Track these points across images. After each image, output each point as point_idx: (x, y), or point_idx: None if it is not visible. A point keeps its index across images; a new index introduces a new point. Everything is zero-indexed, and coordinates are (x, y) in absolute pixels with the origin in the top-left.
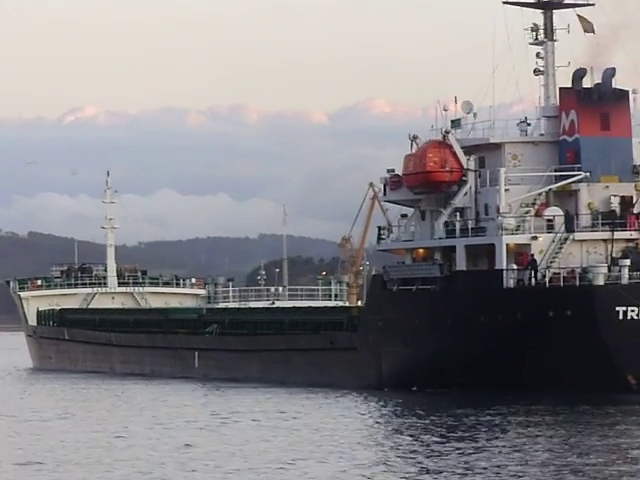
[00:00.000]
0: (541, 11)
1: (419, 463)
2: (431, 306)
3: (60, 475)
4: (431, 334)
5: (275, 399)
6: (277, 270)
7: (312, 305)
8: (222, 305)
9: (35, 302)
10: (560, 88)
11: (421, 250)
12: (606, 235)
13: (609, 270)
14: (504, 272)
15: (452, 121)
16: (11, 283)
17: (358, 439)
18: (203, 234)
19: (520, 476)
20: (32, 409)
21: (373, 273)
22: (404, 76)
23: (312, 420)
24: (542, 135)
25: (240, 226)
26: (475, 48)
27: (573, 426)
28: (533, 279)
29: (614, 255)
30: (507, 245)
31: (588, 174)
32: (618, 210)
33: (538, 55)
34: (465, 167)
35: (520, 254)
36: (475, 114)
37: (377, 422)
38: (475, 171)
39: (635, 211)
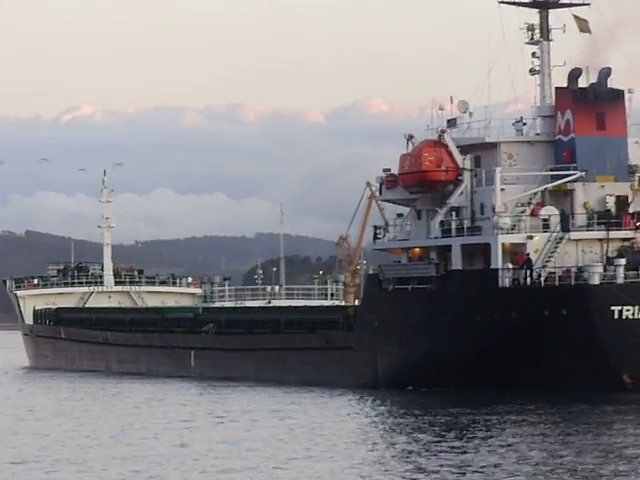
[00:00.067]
0: (537, 11)
1: (415, 462)
2: (427, 305)
3: (55, 475)
4: (427, 333)
5: (271, 398)
6: (274, 269)
7: (308, 304)
8: (218, 304)
9: (31, 301)
10: (556, 88)
11: (417, 249)
12: (601, 234)
13: (604, 269)
14: (500, 271)
15: (448, 120)
16: (7, 282)
17: (353, 438)
18: (200, 233)
19: (516, 475)
20: (27, 408)
21: (369, 272)
22: (401, 75)
23: (307, 419)
24: (538, 135)
25: (237, 225)
26: (472, 48)
27: (569, 425)
28: (529, 278)
29: (609, 254)
30: (503, 244)
31: (584, 174)
32: (613, 210)
33: (534, 55)
34: (461, 166)
35: (516, 253)
36: (471, 113)
37: (373, 421)
38: (471, 170)
39: (630, 211)
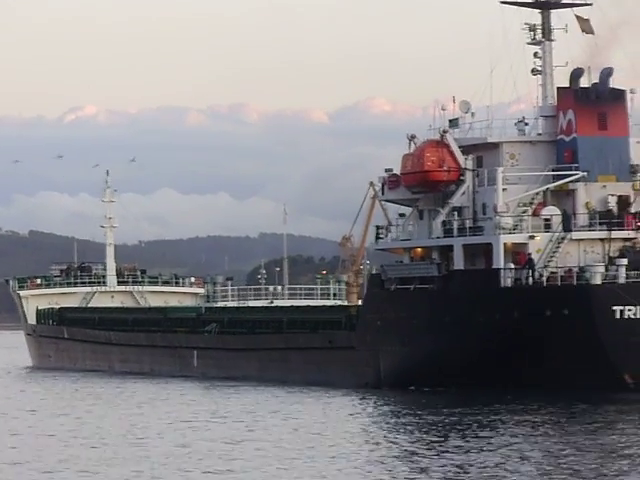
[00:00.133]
0: (539, 11)
1: (417, 462)
2: (429, 305)
3: (57, 475)
4: (429, 333)
5: (273, 398)
6: (277, 269)
7: (310, 304)
8: (221, 304)
9: (34, 301)
10: (558, 88)
11: (419, 249)
12: (603, 234)
13: (606, 269)
14: (501, 271)
15: (450, 121)
16: (10, 282)
17: (356, 438)
18: (203, 233)
19: (518, 475)
20: (29, 408)
21: (372, 272)
22: (404, 75)
23: (310, 419)
24: (540, 135)
25: (240, 225)
26: (475, 47)
27: (570, 425)
28: (530, 278)
29: (611, 254)
30: (504, 244)
31: (585, 174)
32: (615, 209)
33: (536, 55)
34: (463, 166)
35: (517, 253)
36: (473, 114)
37: (375, 421)
38: (473, 170)
39: (632, 210)
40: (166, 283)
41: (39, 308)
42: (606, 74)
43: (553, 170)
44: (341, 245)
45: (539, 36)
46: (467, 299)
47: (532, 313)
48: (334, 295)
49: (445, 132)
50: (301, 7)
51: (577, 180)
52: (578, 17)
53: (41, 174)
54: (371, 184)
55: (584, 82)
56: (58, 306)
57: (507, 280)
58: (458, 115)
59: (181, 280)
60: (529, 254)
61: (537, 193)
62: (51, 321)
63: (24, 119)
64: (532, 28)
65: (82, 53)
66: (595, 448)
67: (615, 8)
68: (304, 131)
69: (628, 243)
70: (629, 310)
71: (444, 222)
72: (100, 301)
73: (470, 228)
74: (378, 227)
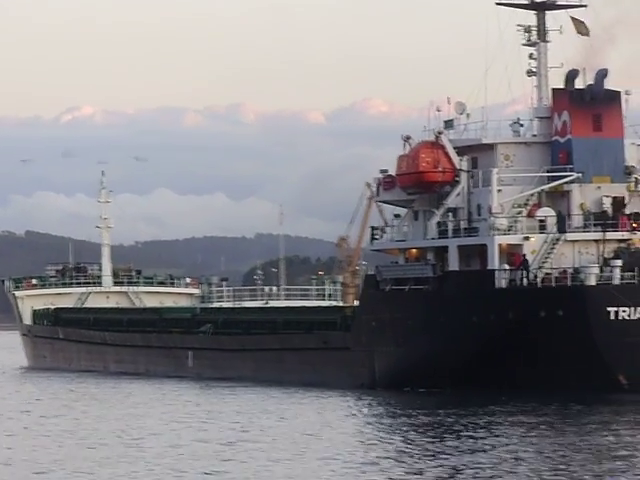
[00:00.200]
0: (534, 12)
1: (411, 463)
2: (424, 306)
3: (52, 475)
4: (424, 334)
5: (268, 399)
6: (274, 270)
7: (306, 305)
8: (216, 305)
9: (30, 301)
10: (553, 89)
11: (414, 250)
12: (598, 236)
13: (601, 270)
14: (496, 272)
15: (445, 122)
16: (6, 282)
17: (350, 439)
18: (200, 233)
19: (512, 475)
20: (24, 408)
21: (367, 273)
22: (401, 76)
23: (304, 420)
24: (535, 136)
25: (237, 226)
26: (471, 48)
27: (565, 426)
28: (525, 279)
29: (606, 255)
30: (499, 245)
31: (580, 175)
32: (610, 211)
33: (531, 56)
34: (458, 168)
35: (512, 254)
36: (468, 115)
37: (369, 422)
38: (468, 172)
39: (627, 212)
40: (161, 284)
41: (34, 308)
42: (601, 75)
43: (548, 171)
44: (338, 246)
45: (534, 37)
46: (462, 300)
47: (527, 314)
48: (329, 296)
49: (440, 133)
50: (300, 8)
51: (572, 181)
52: (574, 20)
53: (38, 174)
54: (368, 185)
55: (579, 83)
56: (53, 306)
57: (502, 281)
58: (453, 116)
59: (176, 281)
60: (524, 255)
61: (532, 194)
62: (46, 321)
63: (21, 119)
64: (527, 29)
65: (79, 53)
66: (590, 449)
67: (611, 7)
68: (301, 132)
69: (623, 244)
70: (623, 311)
71: (439, 223)
72: (95, 302)
73: (465, 229)
74: (373, 228)
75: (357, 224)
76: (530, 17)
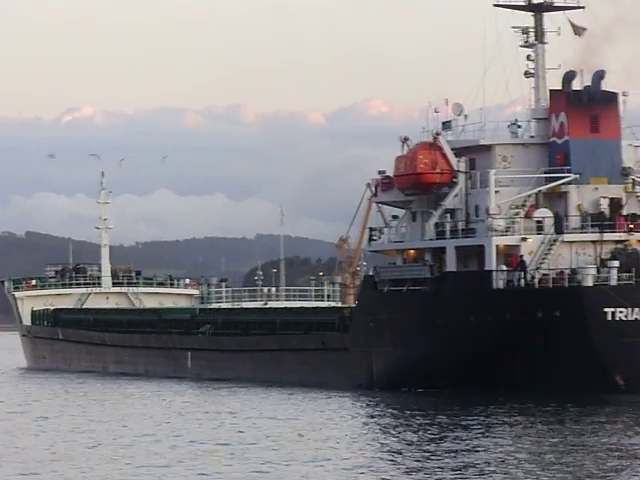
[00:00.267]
0: (531, 14)
1: (408, 463)
2: (421, 307)
3: (45, 476)
4: (421, 335)
5: (266, 399)
6: (274, 270)
7: (304, 306)
8: (215, 305)
9: (29, 302)
10: (550, 90)
11: (412, 251)
12: (595, 236)
13: (598, 271)
14: (494, 273)
15: (443, 123)
16: (6, 283)
17: (348, 439)
18: (200, 234)
19: (509, 476)
20: (21, 409)
21: (366, 274)
22: (401, 77)
23: (302, 420)
24: (532, 137)
25: (237, 226)
26: (471, 49)
27: (562, 426)
28: (522, 280)
29: (603, 256)
30: (497, 246)
31: (578, 176)
32: (607, 212)
33: (528, 57)
34: (455, 169)
35: (510, 255)
36: (466, 116)
37: (367, 422)
38: (465, 173)
39: (624, 213)
40: (161, 284)
41: (34, 309)
42: (598, 77)
43: (545, 172)
44: (338, 246)
45: (532, 39)
46: (459, 301)
47: (524, 315)
48: (328, 297)
49: (438, 134)
50: (298, 8)
51: (569, 182)
52: (573, 24)
53: (38, 175)
54: (368, 185)
55: (576, 85)
56: (53, 307)
57: (499, 282)
58: (451, 117)
59: (176, 281)
60: (521, 256)
61: (529, 195)
62: (46, 322)
63: (22, 120)
64: (525, 31)
65: (79, 54)
66: (587, 449)
67: (611, 6)
68: (301, 132)
69: (620, 245)
70: (620, 312)
71: (437, 224)
72: (95, 302)
73: (462, 230)
74: (371, 229)
75: (357, 225)
76: (528, 18)
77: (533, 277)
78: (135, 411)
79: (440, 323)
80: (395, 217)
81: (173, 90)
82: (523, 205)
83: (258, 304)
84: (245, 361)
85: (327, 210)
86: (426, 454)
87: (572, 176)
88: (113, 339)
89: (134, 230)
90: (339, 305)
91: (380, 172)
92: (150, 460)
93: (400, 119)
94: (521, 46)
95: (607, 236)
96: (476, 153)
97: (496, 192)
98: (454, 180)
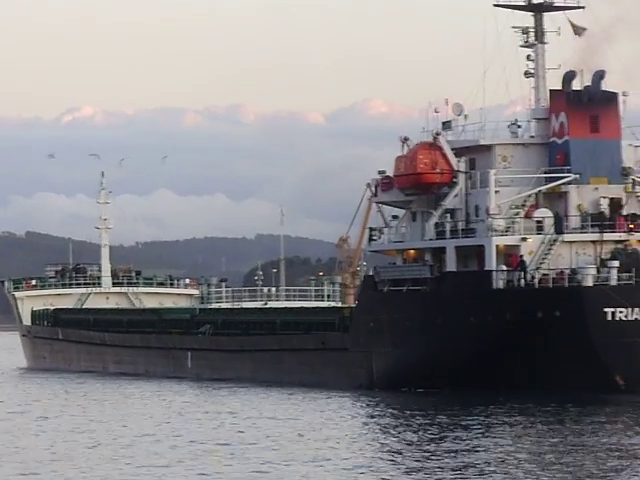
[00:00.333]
0: (531, 14)
1: (408, 463)
2: (421, 307)
3: (45, 476)
4: (421, 335)
5: (266, 399)
6: (274, 270)
7: (304, 306)
8: (215, 305)
9: (29, 302)
10: (550, 90)
11: (412, 251)
12: (595, 236)
13: (598, 271)
14: (494, 273)
15: (443, 123)
16: (6, 283)
17: (348, 439)
18: (200, 234)
19: (509, 476)
20: (20, 409)
21: (366, 274)
22: (401, 77)
23: (302, 421)
24: (532, 137)
25: (237, 226)
26: (470, 49)
27: (562, 426)
28: (522, 280)
29: (603, 256)
30: (497, 246)
31: (578, 176)
32: (607, 212)
33: (528, 57)
34: (455, 169)
35: (510, 255)
36: (466, 116)
37: (367, 423)
38: (465, 173)
39: (624, 213)
40: (161, 284)
41: (34, 309)
42: (598, 77)
43: (545, 172)
44: (338, 246)
45: (532, 39)
46: (459, 301)
47: (524, 315)
48: (328, 297)
49: (438, 134)
50: (298, 8)
51: (569, 182)
52: (573, 24)
53: (38, 175)
54: (368, 185)
55: (576, 85)
56: (53, 307)
57: (499, 282)
58: (451, 117)
59: (176, 281)
60: (521, 256)
61: (529, 195)
62: (46, 322)
63: (22, 120)
64: (525, 31)
65: (79, 54)
66: (587, 449)
67: (611, 6)
68: (301, 132)
69: (620, 245)
70: (620, 312)
71: (437, 224)
72: (95, 302)
73: (462, 230)
74: (371, 229)
75: (357, 225)
76: (528, 18)
77: (533, 277)
78: (135, 411)
79: (440, 323)
80: (395, 217)
81: (173, 90)
82: (523, 205)
83: (258, 304)
84: (245, 361)
85: (327, 210)
86: (426, 454)
87: (572, 176)
88: (113, 339)
89: (134, 230)
90: (339, 305)
91: (380, 172)
92: (150, 460)
93: (400, 119)
94: (521, 46)
95: (607, 236)
96: (476, 153)
97: (496, 192)
98: (454, 180)
